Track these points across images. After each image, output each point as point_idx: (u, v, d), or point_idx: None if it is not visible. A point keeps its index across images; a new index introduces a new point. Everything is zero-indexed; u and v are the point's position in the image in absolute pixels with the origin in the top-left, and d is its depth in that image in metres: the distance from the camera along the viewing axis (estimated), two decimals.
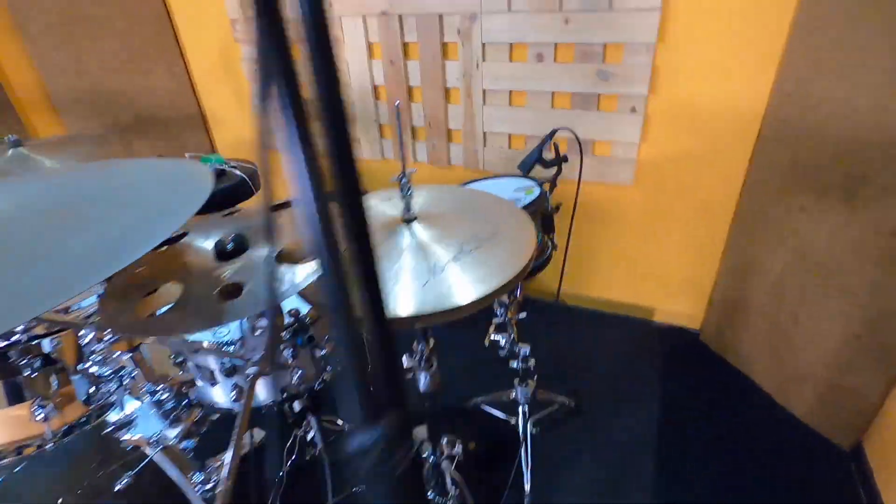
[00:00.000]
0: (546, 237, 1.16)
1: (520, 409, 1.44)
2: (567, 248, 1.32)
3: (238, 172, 1.89)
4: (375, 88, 2.15)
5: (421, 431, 1.71)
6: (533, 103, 1.89)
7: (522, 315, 1.33)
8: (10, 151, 1.48)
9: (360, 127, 2.26)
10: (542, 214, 1.12)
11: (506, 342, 1.33)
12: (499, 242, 0.77)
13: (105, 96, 2.37)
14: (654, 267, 2.07)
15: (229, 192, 1.84)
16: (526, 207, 1.06)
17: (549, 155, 1.13)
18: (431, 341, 0.94)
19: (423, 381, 0.93)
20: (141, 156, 1.98)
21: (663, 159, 1.82)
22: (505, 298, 1.29)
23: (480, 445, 1.51)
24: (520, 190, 1.14)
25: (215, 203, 1.86)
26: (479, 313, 1.23)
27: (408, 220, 0.81)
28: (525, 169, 1.13)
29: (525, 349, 1.34)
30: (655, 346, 2.07)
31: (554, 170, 1.15)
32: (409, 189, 0.77)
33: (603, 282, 2.22)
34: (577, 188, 1.20)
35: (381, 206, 0.92)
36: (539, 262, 1.14)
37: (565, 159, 1.15)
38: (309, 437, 1.52)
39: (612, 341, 2.11)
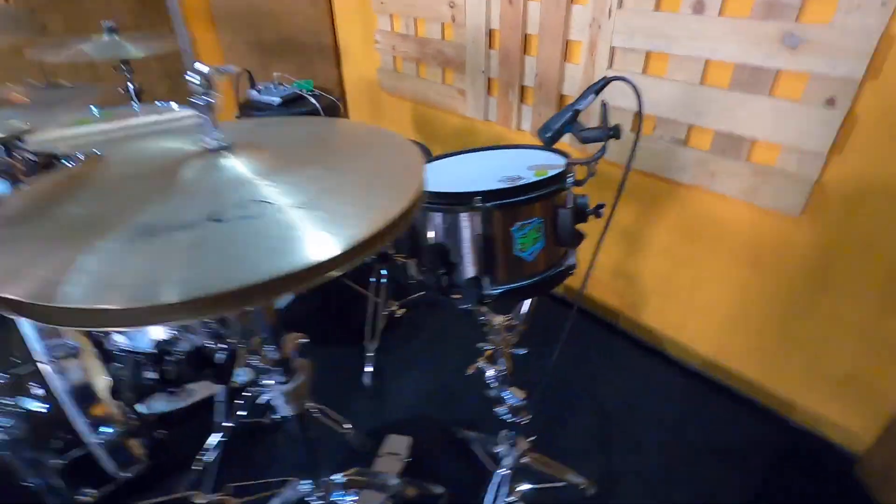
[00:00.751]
0: (555, 247, 0.73)
1: (498, 472, 1.05)
2: (597, 251, 0.82)
3: (313, 101, 1.76)
4: (490, 33, 1.80)
5: (401, 442, 1.44)
6: (676, 73, 1.35)
7: (521, 351, 0.93)
8: (106, 37, 1.54)
9: (467, 78, 1.94)
10: (552, 213, 0.69)
11: (494, 380, 0.95)
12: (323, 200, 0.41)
13: (255, 16, 2.45)
14: (810, 344, 1.39)
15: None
16: (515, 190, 0.66)
17: (588, 121, 0.69)
18: (293, 336, 0.63)
19: (272, 398, 0.63)
20: (271, 73, 1.96)
21: (864, 188, 1.15)
22: (499, 320, 0.90)
23: (446, 495, 1.17)
24: (534, 168, 0.73)
25: None
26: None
27: (212, 150, 0.50)
28: (543, 134, 0.71)
29: (514, 398, 0.94)
30: (773, 452, 1.42)
31: (597, 147, 0.70)
32: (207, 94, 0.46)
33: (718, 337, 1.60)
34: (625, 174, 0.72)
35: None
36: (535, 280, 0.73)
37: (615, 133, 0.68)
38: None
39: (708, 421, 1.51)
